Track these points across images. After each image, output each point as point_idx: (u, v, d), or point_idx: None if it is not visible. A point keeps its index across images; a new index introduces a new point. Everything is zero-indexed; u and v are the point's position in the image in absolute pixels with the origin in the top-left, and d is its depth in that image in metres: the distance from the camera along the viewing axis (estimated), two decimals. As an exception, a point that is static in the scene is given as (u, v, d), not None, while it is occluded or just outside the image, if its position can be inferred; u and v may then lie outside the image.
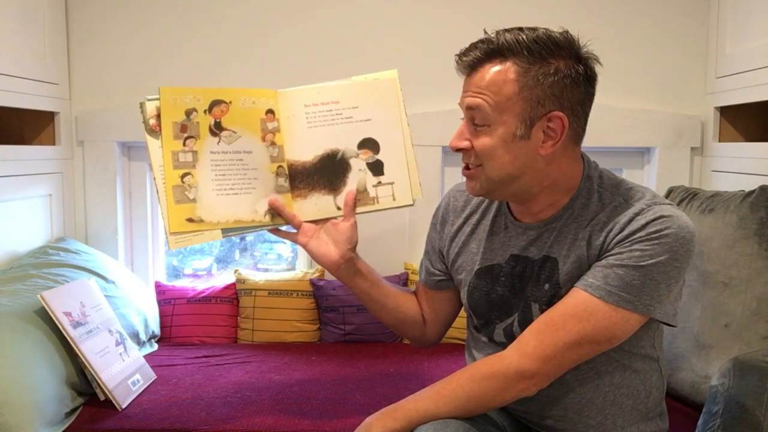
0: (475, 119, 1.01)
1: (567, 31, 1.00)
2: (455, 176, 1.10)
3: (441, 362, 1.76)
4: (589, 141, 1.06)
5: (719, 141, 1.94)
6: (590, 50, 1.02)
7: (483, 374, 1.02)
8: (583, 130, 1.04)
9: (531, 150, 1.00)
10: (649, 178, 2.07)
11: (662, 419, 1.14)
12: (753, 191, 1.44)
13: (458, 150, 1.05)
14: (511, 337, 1.09)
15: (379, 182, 1.25)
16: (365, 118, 1.25)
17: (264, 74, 2.03)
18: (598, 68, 1.03)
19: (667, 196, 1.69)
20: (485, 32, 1.01)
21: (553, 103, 0.98)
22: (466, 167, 1.06)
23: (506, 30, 1.00)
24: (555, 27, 1.02)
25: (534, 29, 0.99)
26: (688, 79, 2.02)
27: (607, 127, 1.98)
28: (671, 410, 1.20)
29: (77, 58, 2.06)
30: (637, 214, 0.98)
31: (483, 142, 1.01)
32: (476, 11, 2.00)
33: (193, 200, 1.19)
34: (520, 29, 0.99)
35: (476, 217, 1.17)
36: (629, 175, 2.09)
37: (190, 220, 1.19)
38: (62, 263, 1.75)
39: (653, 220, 0.97)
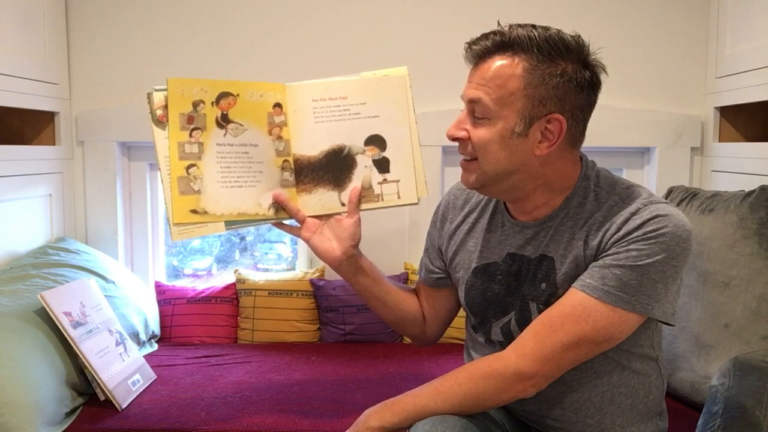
0: (476, 111, 1.01)
1: (579, 36, 1.00)
2: (455, 176, 1.10)
3: (441, 362, 1.76)
4: (589, 141, 1.06)
5: (719, 141, 1.94)
6: (598, 58, 1.01)
7: (481, 373, 1.02)
8: (582, 135, 1.04)
9: (526, 149, 1.00)
10: (649, 178, 2.07)
11: (662, 418, 1.14)
12: (753, 191, 1.43)
13: (454, 139, 1.05)
14: (509, 336, 1.09)
15: (385, 180, 1.25)
16: (373, 114, 1.24)
17: (266, 75, 2.02)
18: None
19: (667, 196, 1.69)
20: (498, 24, 1.01)
21: (555, 105, 0.98)
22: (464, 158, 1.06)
23: (519, 25, 0.99)
24: (556, 26, 1.01)
25: (547, 29, 0.99)
26: (688, 79, 2.02)
27: (607, 127, 1.98)
28: (671, 410, 1.20)
29: (77, 58, 2.06)
30: (634, 214, 0.98)
31: (480, 134, 1.01)
32: (479, 12, 2.00)
33: (198, 192, 1.19)
34: (534, 26, 0.99)
35: (474, 215, 1.18)
36: (629, 175, 2.09)
37: (194, 211, 1.19)
38: (62, 263, 1.75)
39: (649, 219, 0.97)
